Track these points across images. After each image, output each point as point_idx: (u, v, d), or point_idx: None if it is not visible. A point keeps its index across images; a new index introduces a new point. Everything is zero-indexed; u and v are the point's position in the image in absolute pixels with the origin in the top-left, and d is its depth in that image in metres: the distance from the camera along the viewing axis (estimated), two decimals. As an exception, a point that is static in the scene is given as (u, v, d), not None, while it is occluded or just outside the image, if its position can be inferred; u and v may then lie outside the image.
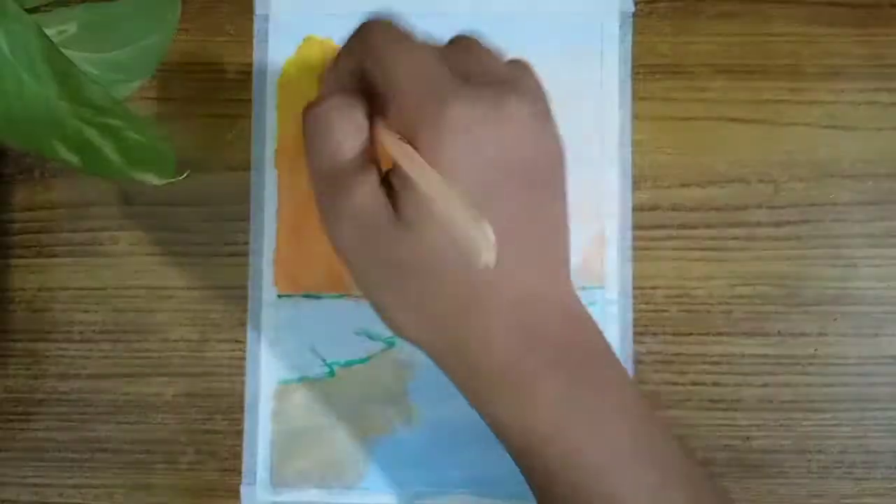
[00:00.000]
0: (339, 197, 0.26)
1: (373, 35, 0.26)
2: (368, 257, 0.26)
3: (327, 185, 0.26)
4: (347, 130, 0.26)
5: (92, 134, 0.22)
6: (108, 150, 0.22)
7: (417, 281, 0.26)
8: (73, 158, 0.22)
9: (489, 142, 0.25)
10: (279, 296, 0.37)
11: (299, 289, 0.37)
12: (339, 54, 0.28)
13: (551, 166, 0.27)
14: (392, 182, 0.26)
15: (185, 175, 0.26)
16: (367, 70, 0.26)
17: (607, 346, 0.28)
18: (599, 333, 0.28)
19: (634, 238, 0.37)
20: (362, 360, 0.37)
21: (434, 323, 0.26)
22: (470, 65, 0.26)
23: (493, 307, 0.26)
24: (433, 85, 0.24)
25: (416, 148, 0.24)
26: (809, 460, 0.36)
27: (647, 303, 0.37)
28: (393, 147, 0.24)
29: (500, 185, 0.25)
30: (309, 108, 0.27)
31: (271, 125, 0.38)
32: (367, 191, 0.25)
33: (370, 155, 0.26)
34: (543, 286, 0.27)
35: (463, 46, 0.28)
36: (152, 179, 0.23)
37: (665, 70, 0.38)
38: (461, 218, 0.22)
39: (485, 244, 0.21)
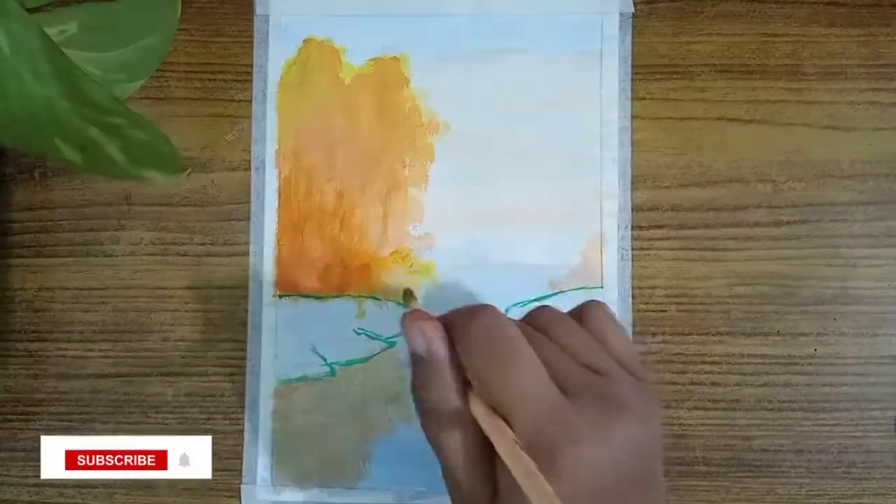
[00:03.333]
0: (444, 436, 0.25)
1: (478, 343, 0.25)
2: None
3: (435, 420, 0.26)
4: (454, 390, 0.25)
5: (95, 133, 0.22)
6: (112, 148, 0.22)
7: None
8: (77, 157, 0.22)
9: (600, 466, 0.24)
10: (279, 296, 0.37)
11: (299, 289, 0.37)
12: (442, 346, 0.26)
13: (651, 466, 0.26)
14: (497, 476, 0.25)
15: (188, 172, 0.26)
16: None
17: None
18: None
19: (633, 238, 0.37)
20: (363, 360, 0.37)
21: None
22: (571, 371, 0.26)
23: None
24: (548, 420, 0.24)
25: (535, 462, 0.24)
26: (809, 460, 0.36)
27: (646, 303, 0.37)
28: (512, 462, 0.24)
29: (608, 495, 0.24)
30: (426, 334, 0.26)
31: (271, 125, 0.38)
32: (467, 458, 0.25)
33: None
34: None
35: (564, 333, 0.27)
36: (157, 176, 0.23)
37: (665, 70, 0.38)
38: None
39: None
